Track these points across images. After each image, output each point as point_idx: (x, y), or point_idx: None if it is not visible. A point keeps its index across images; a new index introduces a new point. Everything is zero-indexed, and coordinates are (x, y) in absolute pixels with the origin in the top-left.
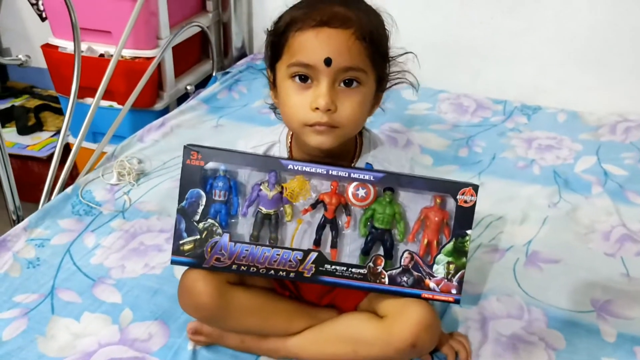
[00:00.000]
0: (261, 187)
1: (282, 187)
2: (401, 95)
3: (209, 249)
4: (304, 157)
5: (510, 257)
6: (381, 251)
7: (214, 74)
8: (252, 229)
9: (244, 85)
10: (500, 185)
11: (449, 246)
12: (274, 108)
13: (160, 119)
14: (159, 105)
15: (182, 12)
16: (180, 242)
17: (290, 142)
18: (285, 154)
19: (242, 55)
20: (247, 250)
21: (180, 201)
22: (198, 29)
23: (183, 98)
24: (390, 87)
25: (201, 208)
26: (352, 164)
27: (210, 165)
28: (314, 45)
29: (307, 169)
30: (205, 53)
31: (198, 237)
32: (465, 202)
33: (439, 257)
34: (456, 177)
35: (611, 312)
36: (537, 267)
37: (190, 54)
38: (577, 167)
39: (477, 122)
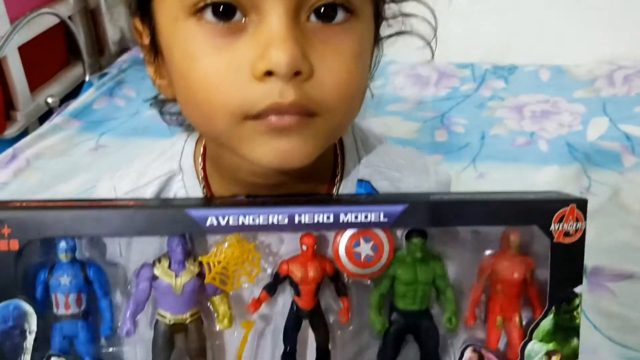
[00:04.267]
0: (155, 272)
1: (202, 265)
2: None
3: None
4: (235, 193)
5: None
6: (417, 352)
7: (86, 79)
8: (152, 357)
9: (130, 88)
10: (505, 173)
11: (546, 323)
12: (161, 105)
13: (9, 150)
14: (11, 132)
15: None
16: None
17: (204, 166)
18: (197, 192)
19: (123, 49)
20: None
21: None
22: (55, 20)
23: (48, 117)
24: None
25: (30, 338)
26: (334, 191)
27: (34, 244)
28: None
29: (249, 219)
30: (74, 53)
31: None
32: (567, 234)
33: (530, 346)
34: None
35: None
36: (606, 290)
37: (51, 55)
38: (589, 133)
39: (445, 95)
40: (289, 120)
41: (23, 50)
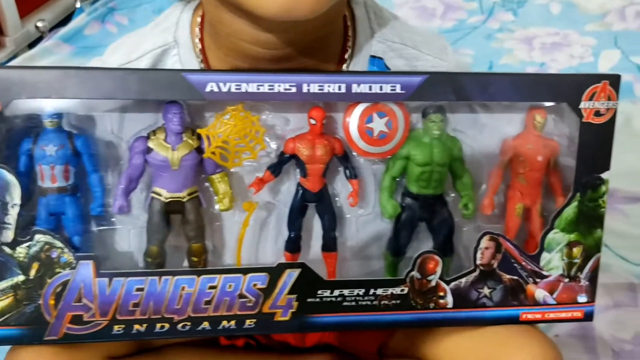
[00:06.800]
0: (150, 144)
1: (200, 137)
2: None
3: (52, 300)
4: (235, 66)
5: None
6: (429, 242)
7: (77, 6)
8: (146, 240)
9: (122, 15)
10: None
11: (569, 211)
12: None
13: None
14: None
15: None
16: None
17: (201, 38)
18: (194, 67)
19: None
20: (140, 287)
21: None
22: None
23: (38, 43)
24: None
25: (14, 212)
26: (345, 66)
27: (20, 106)
28: None
29: (252, 87)
30: None
31: (21, 278)
32: (598, 113)
33: (550, 236)
34: None
35: None
36: (619, 212)
37: None
38: (600, 65)
39: (451, 27)
40: None
41: None
